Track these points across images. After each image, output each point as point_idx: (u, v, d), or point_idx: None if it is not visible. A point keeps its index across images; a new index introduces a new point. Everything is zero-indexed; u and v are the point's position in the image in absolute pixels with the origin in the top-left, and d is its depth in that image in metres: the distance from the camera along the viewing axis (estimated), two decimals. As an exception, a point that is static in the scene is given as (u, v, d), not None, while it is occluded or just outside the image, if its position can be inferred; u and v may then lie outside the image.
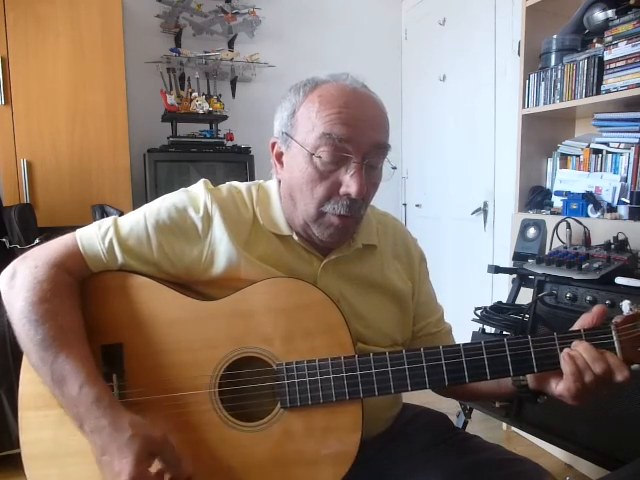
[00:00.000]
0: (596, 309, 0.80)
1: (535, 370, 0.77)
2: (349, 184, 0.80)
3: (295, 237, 0.88)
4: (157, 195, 0.90)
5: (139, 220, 0.85)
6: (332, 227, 0.84)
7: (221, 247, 0.84)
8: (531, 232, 1.89)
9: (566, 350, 0.76)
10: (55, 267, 0.80)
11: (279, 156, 0.89)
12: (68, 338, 0.76)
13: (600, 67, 1.89)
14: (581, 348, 0.75)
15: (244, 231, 0.87)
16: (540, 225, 1.87)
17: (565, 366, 0.75)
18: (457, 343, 0.80)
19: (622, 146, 1.93)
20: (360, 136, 0.80)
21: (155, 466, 0.70)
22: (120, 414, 0.71)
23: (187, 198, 0.87)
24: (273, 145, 0.90)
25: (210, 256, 0.84)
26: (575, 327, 0.81)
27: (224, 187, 0.92)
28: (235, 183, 0.94)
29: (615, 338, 0.76)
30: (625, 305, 0.82)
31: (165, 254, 0.84)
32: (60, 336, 0.75)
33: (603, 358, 0.74)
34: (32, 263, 0.81)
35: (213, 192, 0.88)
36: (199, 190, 0.88)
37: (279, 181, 0.91)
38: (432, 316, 1.01)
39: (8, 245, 1.98)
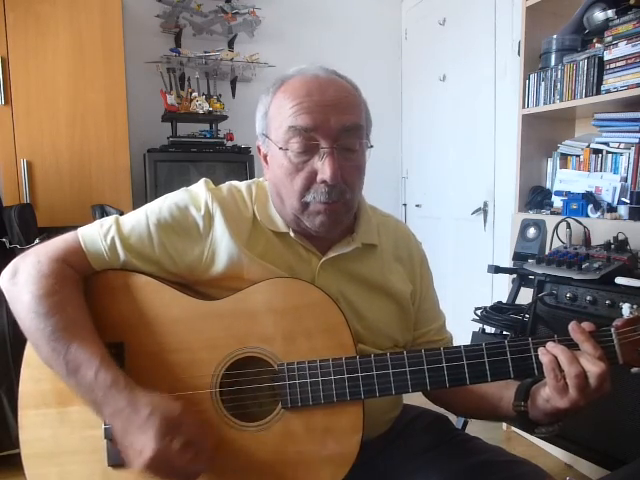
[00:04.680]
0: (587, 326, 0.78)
1: (535, 372, 0.76)
2: (323, 170, 0.81)
3: (292, 234, 0.88)
4: (157, 195, 0.90)
5: (140, 219, 0.85)
6: (320, 215, 0.84)
7: (222, 245, 0.84)
8: (531, 232, 1.89)
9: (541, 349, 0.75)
10: (58, 262, 0.81)
11: (265, 157, 0.91)
12: (78, 328, 0.76)
13: (600, 67, 1.89)
14: (557, 350, 0.74)
15: (245, 230, 0.87)
16: (540, 225, 1.87)
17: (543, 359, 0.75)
18: (458, 345, 0.80)
19: (622, 146, 1.94)
20: (325, 121, 0.81)
21: (177, 442, 0.70)
22: (137, 395, 0.72)
23: (188, 197, 0.88)
24: (258, 149, 0.92)
25: (211, 254, 0.85)
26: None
27: (224, 187, 0.93)
28: (235, 182, 0.95)
29: (615, 341, 0.75)
30: (626, 308, 0.82)
31: (167, 252, 0.84)
32: (70, 327, 0.76)
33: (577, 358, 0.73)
34: (34, 259, 0.81)
35: (214, 191, 0.89)
36: (200, 189, 0.89)
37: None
38: (434, 323, 1.01)
39: (8, 245, 1.98)
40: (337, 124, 0.81)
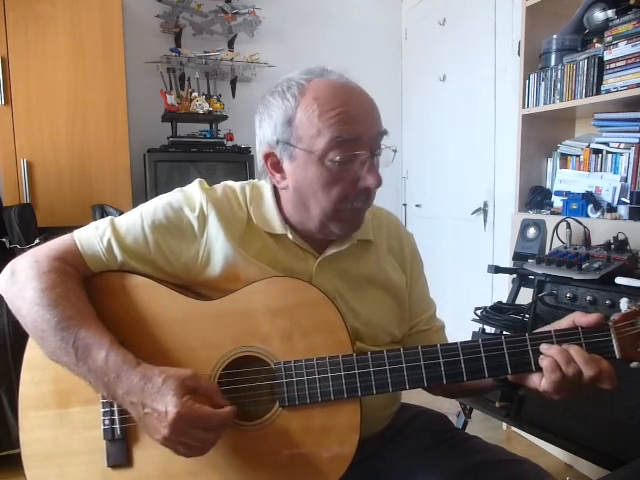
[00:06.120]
0: (596, 318, 0.77)
1: (533, 368, 0.77)
2: (366, 178, 0.82)
3: (290, 236, 0.88)
4: (157, 195, 0.90)
5: (135, 220, 0.85)
6: (350, 221, 0.87)
7: (217, 245, 0.84)
8: (531, 232, 1.89)
9: (553, 351, 0.75)
10: (57, 260, 0.81)
11: (275, 165, 0.87)
12: (84, 315, 0.77)
13: (600, 67, 1.89)
14: (573, 351, 0.74)
15: (239, 230, 0.87)
16: (540, 225, 1.87)
17: (547, 365, 0.75)
18: (454, 342, 0.80)
19: (622, 146, 1.93)
20: (366, 131, 0.82)
21: (196, 400, 0.71)
22: (149, 368, 0.73)
23: (183, 198, 0.87)
24: (267, 157, 0.87)
25: (207, 255, 0.85)
26: (565, 323, 0.79)
27: (219, 187, 0.92)
28: (229, 183, 0.94)
29: (613, 336, 0.76)
30: (623, 303, 0.82)
31: (162, 252, 0.84)
32: (76, 315, 0.76)
33: (595, 361, 0.74)
34: (32, 259, 0.81)
35: (208, 192, 0.88)
36: (194, 190, 0.89)
37: (274, 186, 0.90)
38: (424, 313, 1.01)
39: (8, 245, 1.98)
40: (374, 132, 0.83)
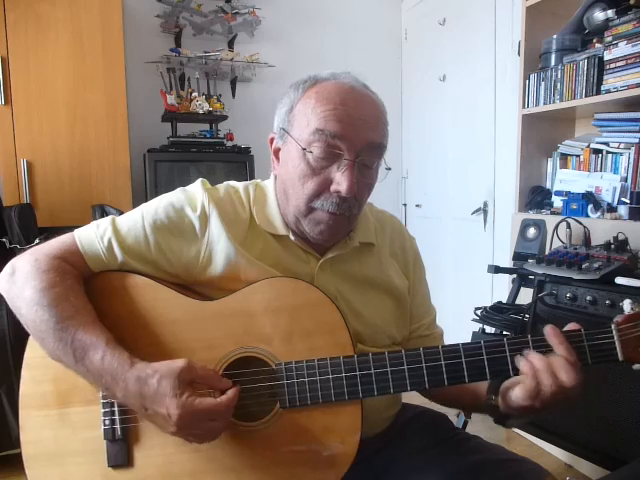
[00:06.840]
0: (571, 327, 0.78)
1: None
2: (339, 181, 0.81)
3: (292, 237, 0.88)
4: (157, 195, 0.90)
5: (137, 220, 0.85)
6: (322, 224, 0.84)
7: (219, 246, 0.84)
8: (531, 232, 1.90)
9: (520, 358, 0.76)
10: (56, 259, 0.81)
11: (276, 151, 0.90)
12: (83, 316, 0.77)
13: (600, 67, 1.89)
14: (533, 358, 0.75)
15: (241, 230, 0.87)
16: (540, 225, 1.87)
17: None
18: (457, 343, 0.80)
19: (622, 146, 1.94)
20: (354, 134, 0.81)
21: (194, 394, 0.71)
22: (142, 369, 0.73)
23: (184, 197, 0.87)
24: (271, 140, 0.91)
25: (208, 255, 0.85)
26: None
27: (221, 187, 0.92)
28: (232, 183, 0.95)
29: (616, 338, 0.76)
30: (626, 304, 0.82)
31: (163, 252, 0.84)
32: (75, 315, 0.76)
33: (549, 364, 0.74)
34: (31, 258, 0.81)
35: (210, 191, 0.88)
36: (196, 189, 0.88)
37: (275, 177, 0.92)
38: (425, 318, 1.02)
39: (8, 245, 1.98)
40: (364, 139, 0.81)
